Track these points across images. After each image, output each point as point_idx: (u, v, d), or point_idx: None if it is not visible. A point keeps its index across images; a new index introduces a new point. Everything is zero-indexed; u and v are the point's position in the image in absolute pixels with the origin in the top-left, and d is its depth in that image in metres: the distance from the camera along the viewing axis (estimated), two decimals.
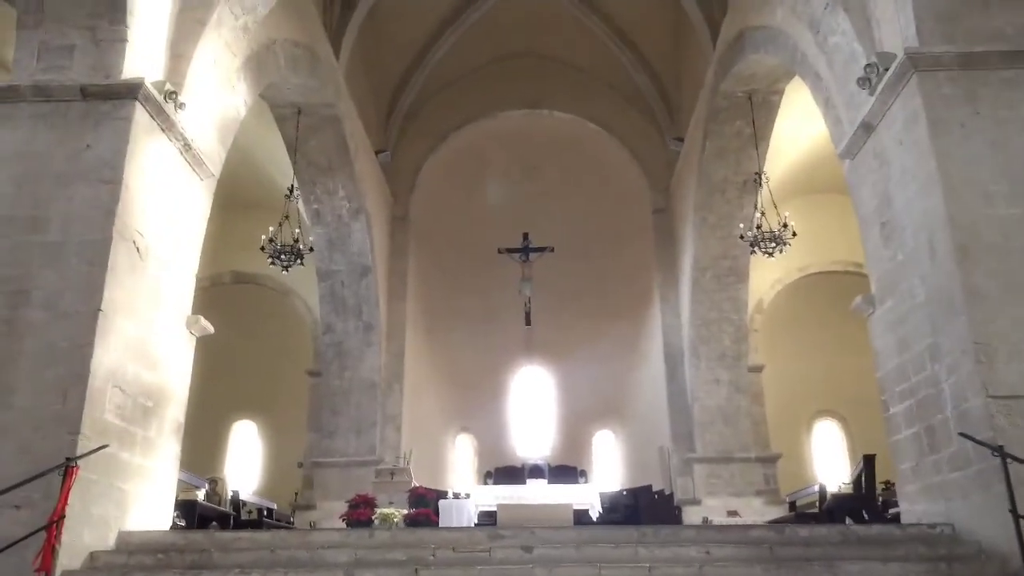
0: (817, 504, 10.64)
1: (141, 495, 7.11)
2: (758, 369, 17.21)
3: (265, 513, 11.97)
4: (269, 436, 19.35)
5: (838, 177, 17.86)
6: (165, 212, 7.80)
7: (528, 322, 18.98)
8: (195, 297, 18.22)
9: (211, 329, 8.49)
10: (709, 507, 15.83)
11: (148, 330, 7.38)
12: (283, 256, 13.16)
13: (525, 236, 19.47)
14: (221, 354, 19.13)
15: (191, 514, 8.36)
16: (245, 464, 19.29)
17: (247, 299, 18.59)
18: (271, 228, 13.17)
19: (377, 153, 17.81)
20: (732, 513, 15.66)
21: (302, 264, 13.44)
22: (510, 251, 19.34)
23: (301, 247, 13.35)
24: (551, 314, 19.59)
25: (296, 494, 16.99)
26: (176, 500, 8.41)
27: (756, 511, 15.65)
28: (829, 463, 19.18)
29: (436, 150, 19.49)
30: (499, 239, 19.59)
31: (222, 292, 18.62)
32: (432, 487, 17.59)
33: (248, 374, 18.93)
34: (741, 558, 5.93)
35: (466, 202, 19.88)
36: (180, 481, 9.06)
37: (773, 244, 13.03)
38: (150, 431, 7.31)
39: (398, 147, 19.22)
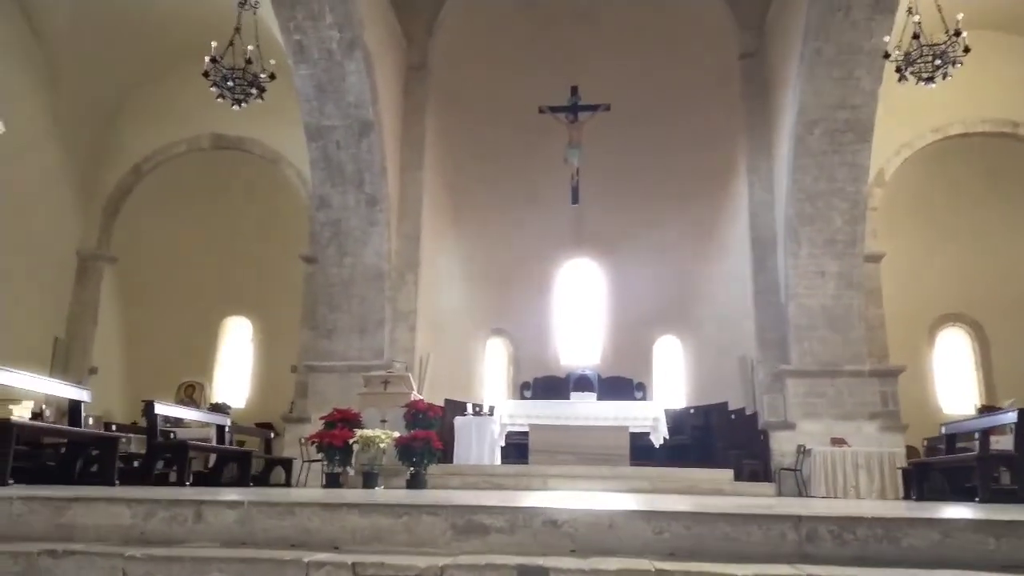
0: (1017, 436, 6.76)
1: None
2: (876, 259, 13.28)
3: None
4: (263, 336, 16.23)
5: (999, 8, 13.57)
6: None
7: (575, 199, 15.14)
8: (172, 162, 15.23)
9: None
10: (806, 432, 12.52)
11: None
12: (232, 83, 9.50)
13: (574, 91, 15.49)
14: (205, 235, 15.97)
15: (3, 443, 5.03)
16: (237, 369, 16.28)
17: (232, 168, 15.24)
18: (213, 44, 9.46)
19: None
20: (838, 441, 12.25)
21: (261, 99, 9.84)
22: (554, 110, 15.40)
23: (261, 75, 9.68)
24: (605, 193, 15.82)
25: (292, 404, 14.01)
26: None
27: (869, 439, 12.38)
28: (953, 383, 15.28)
29: None
30: (542, 98, 15.68)
31: (201, 159, 15.26)
32: (456, 400, 14.46)
33: (238, 262, 15.70)
34: None
35: (502, 51, 15.73)
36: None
37: (937, 63, 8.79)
38: None
39: None
